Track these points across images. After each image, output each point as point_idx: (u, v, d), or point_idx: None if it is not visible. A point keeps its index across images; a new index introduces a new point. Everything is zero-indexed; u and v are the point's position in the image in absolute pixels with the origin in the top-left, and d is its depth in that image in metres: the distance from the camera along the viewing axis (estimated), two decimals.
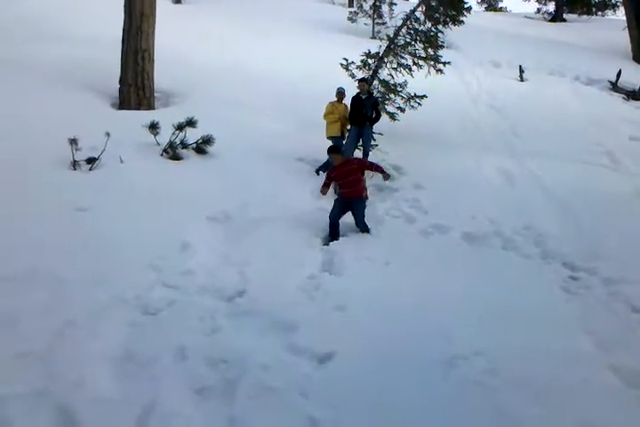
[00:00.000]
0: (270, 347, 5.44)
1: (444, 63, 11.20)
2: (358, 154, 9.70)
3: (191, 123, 9.27)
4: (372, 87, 11.14)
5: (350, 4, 27.80)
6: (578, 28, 27.76)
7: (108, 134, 8.25)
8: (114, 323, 5.51)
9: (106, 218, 7.16)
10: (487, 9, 39.58)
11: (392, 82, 11.07)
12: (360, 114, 9.44)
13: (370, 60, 11.19)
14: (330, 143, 9.48)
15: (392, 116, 11.02)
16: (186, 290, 6.23)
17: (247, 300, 6.16)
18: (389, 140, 10.80)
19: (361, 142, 9.73)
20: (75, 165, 8.12)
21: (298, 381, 5.01)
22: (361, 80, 9.85)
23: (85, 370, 4.86)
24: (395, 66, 11.20)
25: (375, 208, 8.56)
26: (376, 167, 8.05)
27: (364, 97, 9.63)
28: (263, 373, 5.04)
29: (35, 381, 4.69)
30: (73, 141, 7.99)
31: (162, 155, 9.15)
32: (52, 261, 6.21)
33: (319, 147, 9.85)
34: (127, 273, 6.27)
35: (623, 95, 16.37)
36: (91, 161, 8.22)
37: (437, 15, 11.50)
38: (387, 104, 11.11)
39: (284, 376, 5.03)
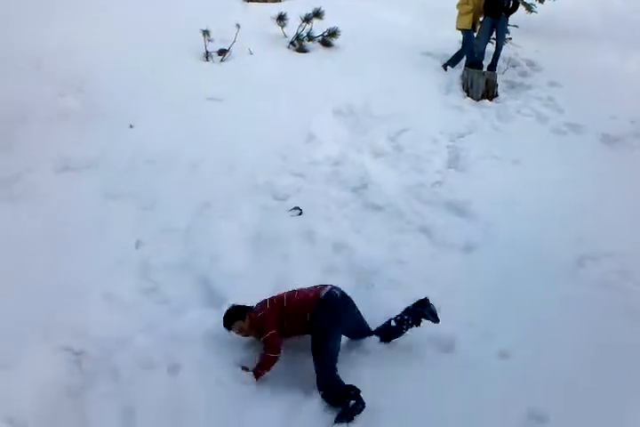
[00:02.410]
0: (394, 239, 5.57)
1: None
2: (491, 49, 9.16)
3: (318, 14, 9.10)
4: None
5: None
6: None
7: (238, 26, 8.29)
8: (246, 206, 5.81)
9: (236, 107, 7.32)
10: None
11: None
12: (496, 3, 8.79)
13: None
14: (460, 35, 9.04)
15: (529, 7, 10.25)
16: (312, 179, 6.40)
17: (371, 191, 6.25)
18: (524, 34, 10.09)
19: (494, 35, 9.15)
20: (207, 56, 8.29)
21: (423, 271, 5.13)
22: None
23: (222, 247, 5.22)
24: None
25: (506, 106, 8.20)
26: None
27: None
28: (395, 267, 5.18)
29: (179, 254, 5.12)
30: (205, 33, 8.11)
31: (288, 47, 9.12)
32: (188, 146, 6.52)
33: (448, 40, 9.43)
34: (257, 160, 6.49)
35: None
36: (222, 52, 8.36)
37: None
38: None
39: (412, 267, 5.16)
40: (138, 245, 5.15)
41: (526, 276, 5.04)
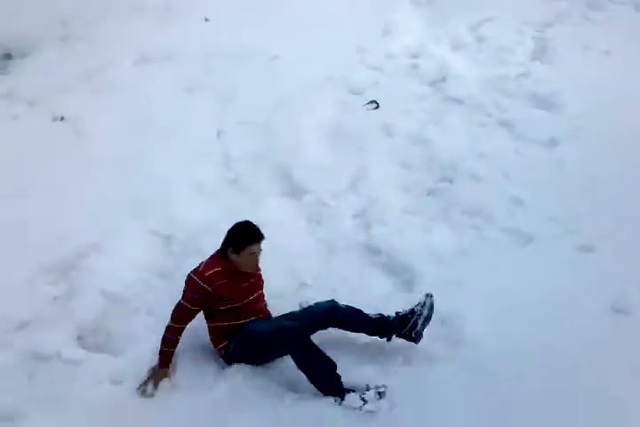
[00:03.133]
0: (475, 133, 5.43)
1: None
2: None
3: None
4: None
5: None
6: None
7: None
8: (324, 99, 5.74)
9: (311, 2, 7.06)
10: None
11: None
12: None
13: None
14: None
15: None
16: (389, 72, 6.23)
17: (450, 84, 6.03)
18: None
19: None
20: None
21: (504, 165, 5.01)
22: None
23: (300, 139, 5.24)
24: None
25: None
26: None
27: None
28: (475, 161, 5.07)
29: (258, 145, 5.18)
30: None
31: None
32: (265, 40, 6.40)
33: None
34: (334, 54, 6.32)
35: None
36: None
37: None
38: None
39: (493, 161, 5.05)
40: (219, 136, 5.24)
41: (614, 171, 4.85)
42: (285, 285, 3.91)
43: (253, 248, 3.34)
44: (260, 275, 3.50)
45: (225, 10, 6.70)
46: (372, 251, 4.22)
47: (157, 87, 5.63)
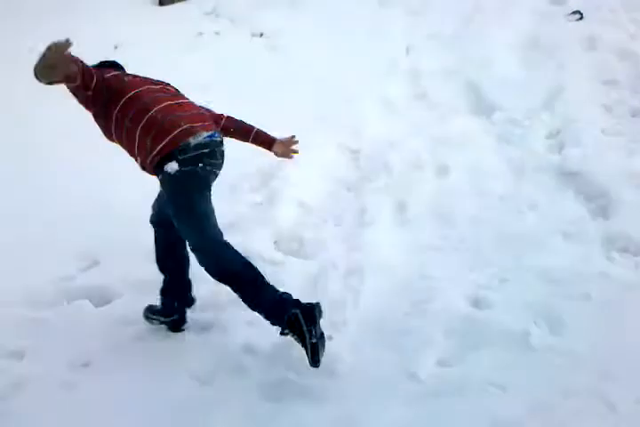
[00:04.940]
0: None
1: None
2: None
3: None
4: None
5: None
6: None
7: None
8: (521, 10, 5.45)
9: None
10: None
11: None
12: None
13: None
14: None
15: None
16: None
17: None
18: None
19: None
20: None
21: None
22: None
23: (494, 53, 5.03)
24: None
25: None
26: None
27: None
28: None
29: (448, 59, 5.05)
30: None
31: None
32: None
33: None
34: None
35: None
36: None
37: None
38: None
39: None
40: (408, 51, 5.17)
41: None
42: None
43: None
44: None
45: None
46: (566, 173, 3.98)
47: (351, 1, 5.62)
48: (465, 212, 3.76)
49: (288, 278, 3.26)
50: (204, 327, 3.09)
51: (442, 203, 3.89)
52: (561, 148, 4.20)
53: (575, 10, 5.36)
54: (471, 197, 3.88)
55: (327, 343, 2.66)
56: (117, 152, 2.90)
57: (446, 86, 4.85)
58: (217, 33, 5.74)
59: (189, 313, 3.11)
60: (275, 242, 3.70)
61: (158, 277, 3.05)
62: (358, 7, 5.59)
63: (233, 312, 3.05)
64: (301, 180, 4.09)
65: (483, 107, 4.63)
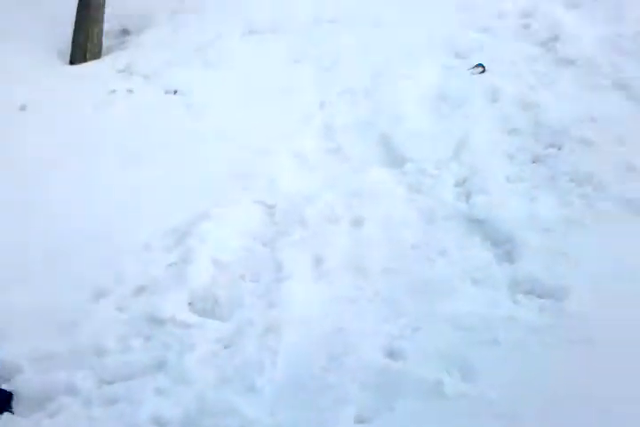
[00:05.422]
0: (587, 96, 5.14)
1: None
2: None
3: None
4: None
5: None
6: None
7: None
8: (427, 64, 5.66)
9: None
10: None
11: None
12: None
13: None
14: None
15: None
16: (497, 33, 6.00)
17: (563, 44, 5.70)
18: None
19: None
20: None
21: (618, 129, 4.72)
22: None
23: (404, 106, 5.20)
24: None
25: None
26: None
27: None
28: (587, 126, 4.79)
29: (360, 114, 5.21)
30: None
31: None
32: (369, 4, 6.37)
33: None
34: (438, 16, 6.18)
35: None
36: None
37: None
38: None
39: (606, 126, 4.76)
40: (322, 106, 5.31)
41: None
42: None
43: None
44: None
45: None
46: (473, 220, 4.14)
47: (264, 59, 5.79)
48: (378, 262, 3.82)
49: (202, 341, 3.21)
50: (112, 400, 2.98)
51: (357, 254, 3.95)
52: (468, 196, 4.34)
53: (478, 63, 5.64)
54: (384, 248, 3.95)
55: (245, 407, 2.64)
56: None
57: (359, 140, 4.97)
58: (130, 90, 5.76)
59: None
60: (189, 303, 3.65)
61: None
62: (271, 64, 5.73)
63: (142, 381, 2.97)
64: (217, 237, 4.09)
65: (395, 159, 4.76)
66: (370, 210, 4.26)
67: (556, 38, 5.79)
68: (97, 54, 6.56)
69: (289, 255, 3.99)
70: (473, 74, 5.55)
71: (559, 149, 4.67)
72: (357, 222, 4.21)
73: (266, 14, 6.20)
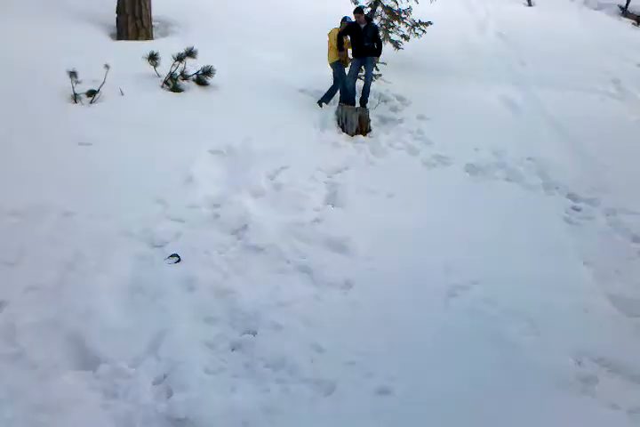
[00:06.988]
0: (276, 281, 5.57)
1: None
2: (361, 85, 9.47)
3: (191, 53, 9.04)
4: (375, 13, 10.78)
5: None
6: None
7: (107, 66, 8.12)
8: (121, 255, 5.62)
9: (109, 151, 7.16)
10: None
11: (396, 8, 10.73)
12: (361, 47, 9.05)
13: None
14: (330, 72, 9.32)
15: (396, 44, 10.75)
16: (191, 223, 6.30)
17: (251, 232, 6.21)
18: (393, 70, 10.56)
19: (363, 72, 9.45)
20: (75, 98, 8.03)
21: (305, 312, 5.14)
22: (356, 11, 9.06)
23: (95, 301, 5.00)
24: None
25: (379, 140, 8.49)
26: None
27: (362, 26, 9.07)
28: (277, 311, 5.13)
29: (46, 312, 4.84)
30: (72, 74, 7.89)
31: (162, 87, 9.01)
32: (58, 195, 6.26)
33: (322, 77, 9.68)
34: (132, 206, 6.31)
35: (633, 21, 15.97)
36: (91, 94, 8.13)
37: None
38: (391, 32, 10.80)
39: (294, 309, 5.16)
40: (1, 306, 4.82)
41: (403, 308, 5.20)
42: None
43: None
44: None
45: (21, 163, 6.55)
46: (174, 420, 3.99)
47: None
48: None
49: None
50: None
51: None
52: (168, 394, 4.21)
53: (173, 253, 5.79)
54: None
55: None
56: None
57: (47, 342, 4.56)
58: None
59: None
60: None
61: None
62: None
63: None
64: None
65: (87, 360, 4.45)
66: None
67: (245, 227, 6.28)
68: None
69: None
70: (169, 264, 5.65)
71: (254, 334, 4.88)
72: None
73: None
